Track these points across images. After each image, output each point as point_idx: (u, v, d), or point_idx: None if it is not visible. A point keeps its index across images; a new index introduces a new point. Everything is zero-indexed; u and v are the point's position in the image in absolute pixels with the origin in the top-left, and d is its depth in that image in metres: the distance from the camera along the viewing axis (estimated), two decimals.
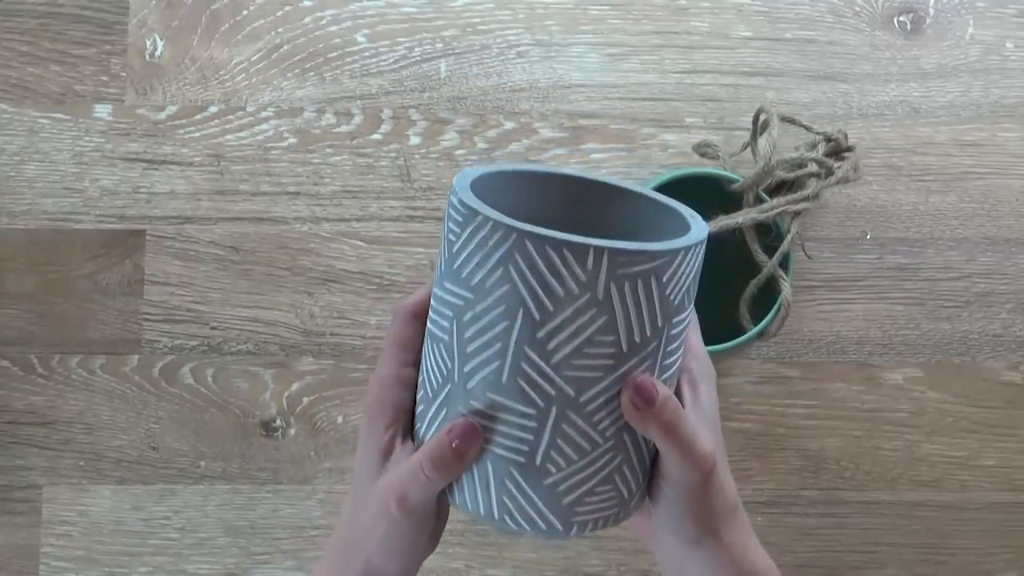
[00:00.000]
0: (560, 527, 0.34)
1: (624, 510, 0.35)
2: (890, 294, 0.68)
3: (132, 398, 0.68)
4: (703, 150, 0.65)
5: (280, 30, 0.69)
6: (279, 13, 0.69)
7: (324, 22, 0.69)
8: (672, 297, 0.32)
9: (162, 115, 0.68)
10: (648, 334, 0.32)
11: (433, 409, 0.35)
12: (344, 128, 0.68)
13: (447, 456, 0.34)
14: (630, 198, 0.38)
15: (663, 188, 0.59)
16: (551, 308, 0.31)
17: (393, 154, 0.68)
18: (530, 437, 0.32)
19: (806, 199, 0.59)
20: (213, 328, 0.68)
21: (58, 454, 0.68)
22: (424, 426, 0.36)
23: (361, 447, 0.39)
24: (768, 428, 0.68)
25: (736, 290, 0.61)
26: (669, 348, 0.33)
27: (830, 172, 0.61)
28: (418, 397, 0.36)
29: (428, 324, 0.35)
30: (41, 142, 0.68)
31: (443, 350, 0.34)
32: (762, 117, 0.62)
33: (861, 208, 0.68)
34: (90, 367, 0.68)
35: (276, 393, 0.68)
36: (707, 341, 0.58)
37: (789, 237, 0.59)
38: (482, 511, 0.35)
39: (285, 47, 0.69)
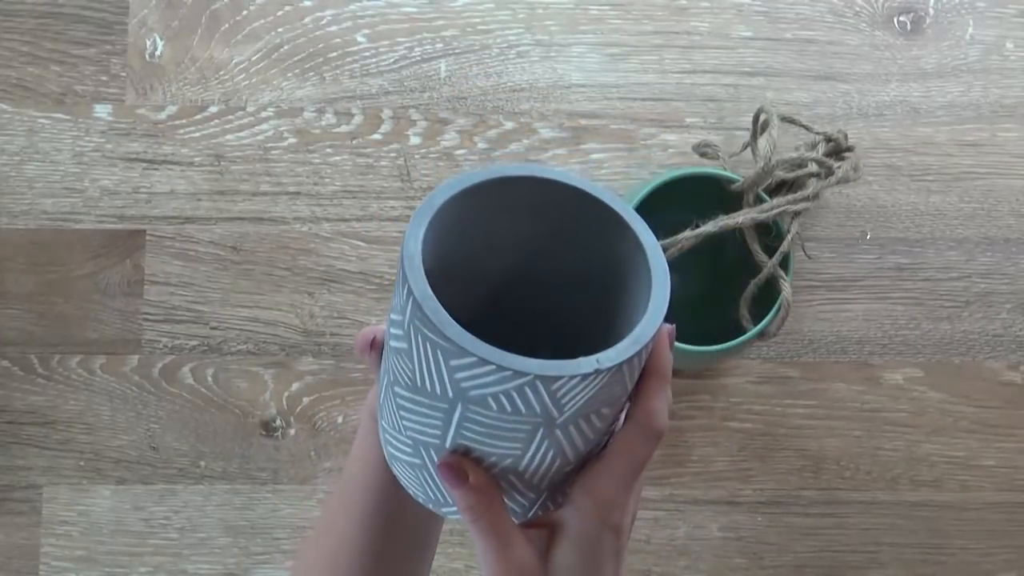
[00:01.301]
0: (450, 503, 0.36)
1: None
2: (890, 294, 0.68)
3: (132, 398, 0.68)
4: (703, 150, 0.65)
5: (280, 30, 0.69)
6: (279, 13, 0.69)
7: (324, 22, 0.69)
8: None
9: (162, 115, 0.68)
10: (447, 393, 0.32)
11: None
12: (344, 128, 0.68)
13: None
14: (595, 210, 0.36)
15: (663, 188, 0.59)
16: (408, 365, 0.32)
17: (393, 154, 0.68)
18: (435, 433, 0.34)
19: (806, 199, 0.59)
20: (213, 328, 0.68)
21: (58, 454, 0.68)
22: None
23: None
24: (768, 428, 0.68)
25: (736, 290, 0.61)
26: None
27: (830, 172, 0.61)
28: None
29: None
30: (41, 142, 0.68)
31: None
32: (762, 117, 0.62)
33: (861, 208, 0.68)
34: (90, 367, 0.68)
35: (276, 393, 0.68)
36: (707, 341, 0.58)
37: (789, 237, 0.59)
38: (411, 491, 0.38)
39: (285, 47, 0.69)
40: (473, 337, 0.30)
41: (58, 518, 0.67)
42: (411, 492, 0.38)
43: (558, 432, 0.32)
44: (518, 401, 0.31)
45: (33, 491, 0.68)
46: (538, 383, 0.30)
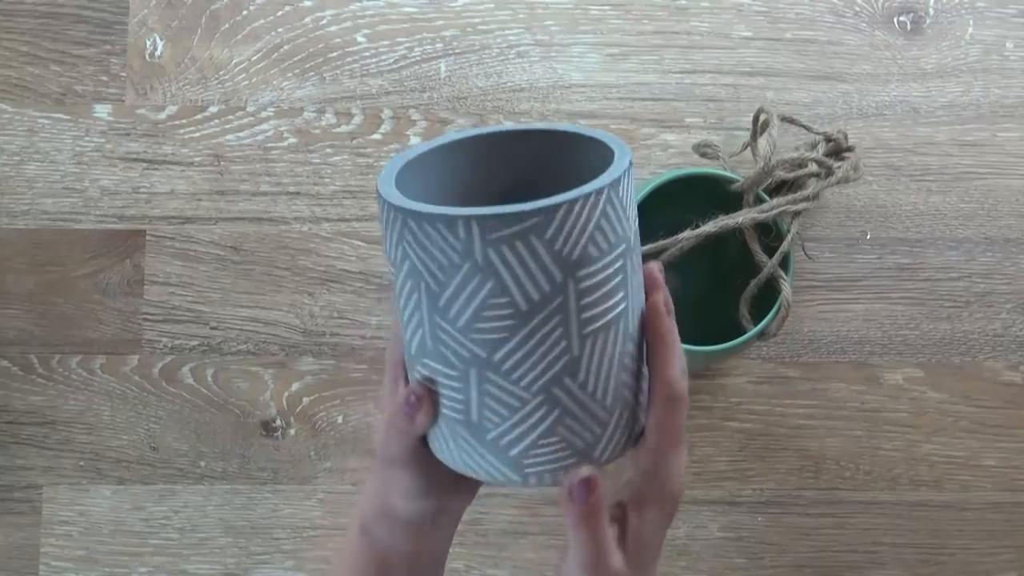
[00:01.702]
0: (518, 478, 0.34)
1: (587, 459, 0.35)
2: (890, 294, 0.68)
3: (132, 398, 0.68)
4: (703, 150, 0.65)
5: (280, 30, 0.69)
6: (279, 13, 0.69)
7: (324, 22, 0.69)
8: (566, 251, 0.32)
9: (162, 115, 0.68)
10: (547, 291, 0.32)
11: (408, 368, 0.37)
12: (344, 128, 0.68)
13: (401, 418, 0.36)
14: (564, 141, 0.38)
15: (663, 188, 0.59)
16: (442, 278, 0.32)
17: (393, 154, 0.68)
18: (461, 397, 0.34)
19: (806, 199, 0.59)
20: (213, 328, 0.68)
21: (58, 454, 0.68)
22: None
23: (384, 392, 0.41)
24: (768, 428, 0.68)
25: (736, 290, 0.61)
26: (585, 301, 0.33)
27: (830, 172, 0.61)
28: None
29: None
30: (41, 142, 0.68)
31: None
32: (762, 117, 0.62)
33: (861, 208, 0.68)
34: (90, 367, 0.68)
35: (276, 393, 0.68)
36: (707, 341, 0.58)
37: (789, 237, 0.59)
38: (451, 463, 0.36)
39: (285, 47, 0.69)
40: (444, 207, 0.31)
41: (58, 518, 0.67)
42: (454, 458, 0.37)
43: (572, 305, 0.32)
44: (523, 252, 0.31)
45: (33, 491, 0.68)
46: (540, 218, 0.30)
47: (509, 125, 0.39)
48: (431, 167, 0.38)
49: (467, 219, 0.30)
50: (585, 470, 0.34)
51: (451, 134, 0.39)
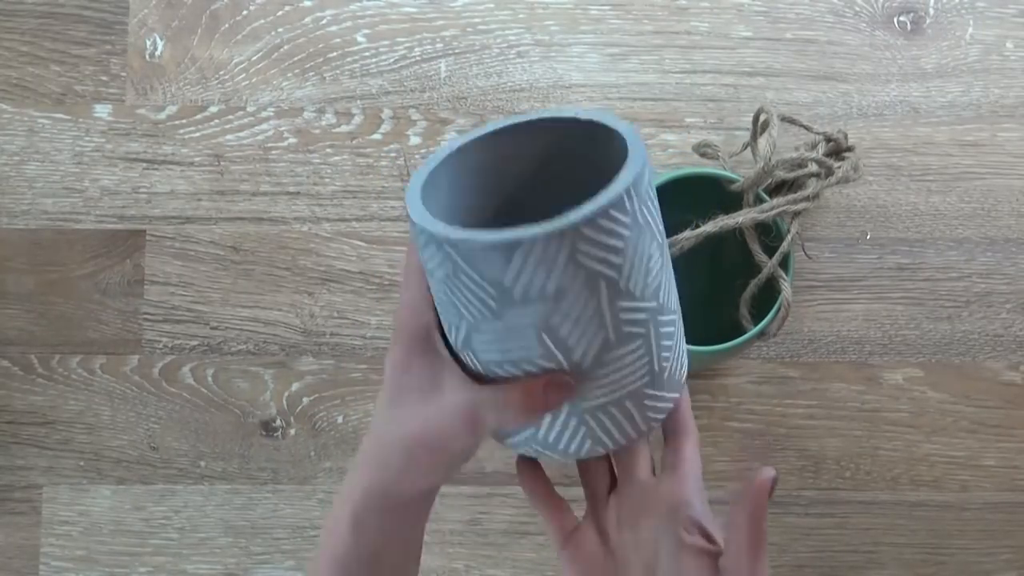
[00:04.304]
0: (678, 394, 0.40)
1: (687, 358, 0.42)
2: (890, 294, 0.68)
3: (132, 398, 0.68)
4: (703, 150, 0.65)
5: (280, 30, 0.69)
6: (279, 13, 0.69)
7: (324, 22, 0.69)
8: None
9: (162, 115, 0.68)
10: (663, 224, 0.37)
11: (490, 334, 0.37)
12: (344, 128, 0.68)
13: (537, 404, 0.36)
14: (581, 127, 0.40)
15: (663, 188, 0.59)
16: (617, 261, 0.34)
17: (393, 154, 0.68)
18: (646, 359, 0.37)
19: (806, 199, 0.59)
20: (213, 328, 0.68)
21: (58, 454, 0.68)
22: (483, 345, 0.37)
23: (394, 363, 0.39)
24: (768, 428, 0.68)
25: (736, 290, 0.61)
26: (661, 227, 0.38)
27: (830, 172, 0.61)
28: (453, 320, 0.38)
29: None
30: (41, 142, 0.68)
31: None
32: (762, 117, 0.62)
33: (861, 208, 0.68)
34: (90, 367, 0.68)
35: (276, 393, 0.68)
36: (707, 341, 0.58)
37: (789, 237, 0.59)
38: (634, 434, 0.39)
39: (285, 47, 0.69)
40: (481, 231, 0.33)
41: (58, 518, 0.67)
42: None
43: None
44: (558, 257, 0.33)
45: (33, 491, 0.68)
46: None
47: (522, 117, 0.40)
48: (472, 172, 0.40)
49: (628, 186, 0.33)
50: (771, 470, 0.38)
51: (480, 130, 0.40)
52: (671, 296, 0.38)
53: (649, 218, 0.35)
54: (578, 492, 0.46)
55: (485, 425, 0.37)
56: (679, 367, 0.40)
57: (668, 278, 0.38)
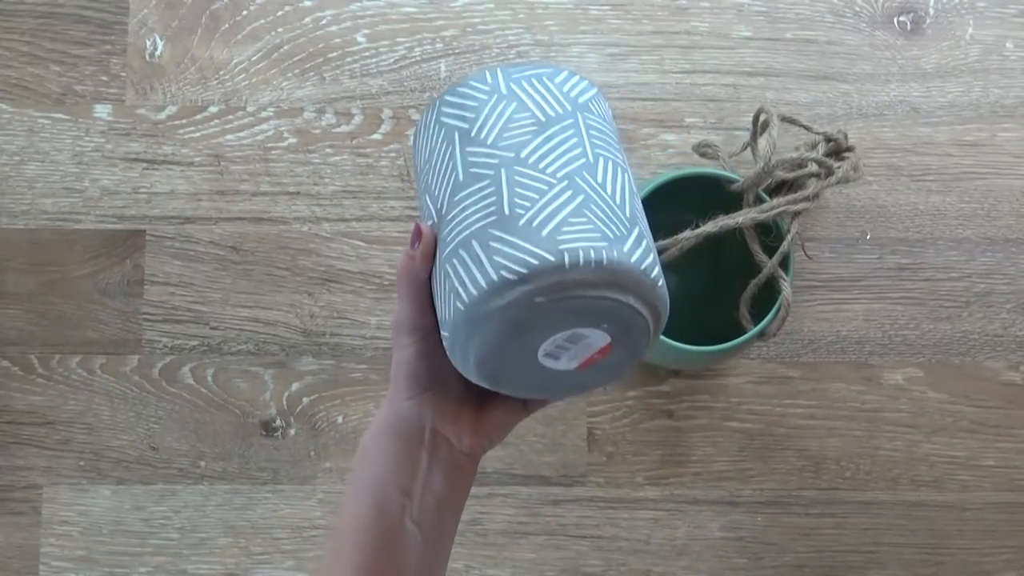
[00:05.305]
0: (552, 257, 0.37)
1: (618, 249, 0.38)
2: (890, 294, 0.68)
3: (132, 398, 0.68)
4: (703, 150, 0.65)
5: (280, 30, 0.69)
6: (279, 13, 0.69)
7: (324, 22, 0.69)
8: (573, 95, 0.42)
9: (162, 115, 0.68)
10: (560, 112, 0.41)
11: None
12: (344, 128, 0.68)
13: (407, 257, 0.41)
14: None
15: (663, 188, 0.59)
16: (471, 116, 0.41)
17: (393, 154, 0.68)
18: (494, 198, 0.39)
19: (806, 199, 0.59)
20: (213, 328, 0.68)
21: (58, 454, 0.68)
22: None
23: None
24: (768, 428, 0.68)
25: (736, 290, 0.61)
26: (592, 132, 0.41)
27: (830, 172, 0.61)
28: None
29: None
30: (41, 142, 0.68)
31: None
32: (762, 117, 0.62)
33: (861, 208, 0.68)
34: (90, 367, 0.68)
35: (276, 393, 0.68)
36: (707, 341, 0.58)
37: (789, 237, 0.59)
38: (484, 284, 0.38)
39: (285, 47, 0.69)
40: None
41: (58, 518, 0.67)
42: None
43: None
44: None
45: (33, 491, 0.68)
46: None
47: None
48: None
49: (493, 68, 0.42)
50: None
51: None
52: (551, 164, 0.40)
53: (523, 95, 0.41)
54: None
55: (401, 290, 0.42)
56: (551, 223, 0.38)
57: (553, 159, 0.40)
